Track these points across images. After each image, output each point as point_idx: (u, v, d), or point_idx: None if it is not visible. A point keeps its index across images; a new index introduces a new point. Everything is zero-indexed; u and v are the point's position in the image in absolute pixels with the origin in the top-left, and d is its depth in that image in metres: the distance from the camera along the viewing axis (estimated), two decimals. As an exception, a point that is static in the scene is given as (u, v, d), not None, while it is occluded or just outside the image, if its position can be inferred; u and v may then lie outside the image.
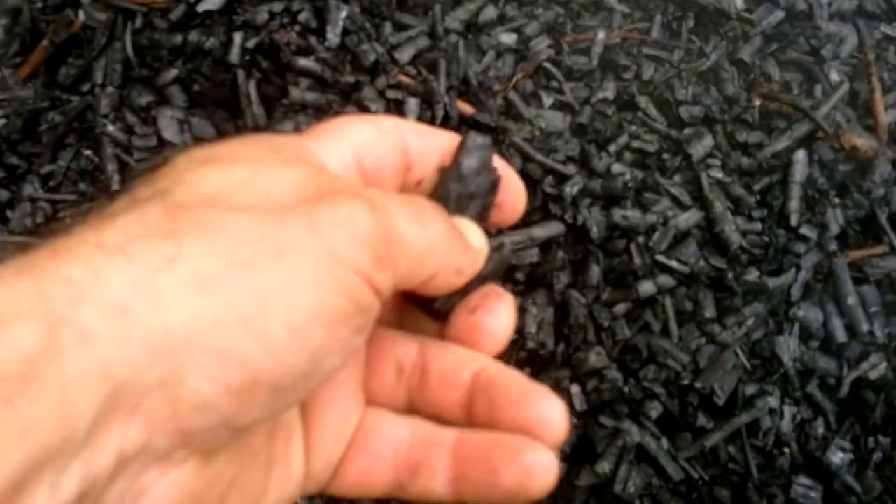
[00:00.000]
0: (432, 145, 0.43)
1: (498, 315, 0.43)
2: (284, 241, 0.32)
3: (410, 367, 0.44)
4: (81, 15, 0.89)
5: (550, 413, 0.39)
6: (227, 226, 0.32)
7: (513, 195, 0.44)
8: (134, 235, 0.30)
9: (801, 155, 0.85)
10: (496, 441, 0.40)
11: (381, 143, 0.42)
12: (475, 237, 0.42)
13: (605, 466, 0.73)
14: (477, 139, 0.43)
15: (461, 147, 0.43)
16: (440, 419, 0.42)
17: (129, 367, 0.28)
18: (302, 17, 0.88)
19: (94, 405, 0.27)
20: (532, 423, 0.40)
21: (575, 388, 0.75)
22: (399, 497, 0.42)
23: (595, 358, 0.75)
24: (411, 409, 0.43)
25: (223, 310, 0.30)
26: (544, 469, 0.39)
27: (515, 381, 0.41)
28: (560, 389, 0.75)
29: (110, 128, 0.84)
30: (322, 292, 0.32)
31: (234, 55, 0.86)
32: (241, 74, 0.85)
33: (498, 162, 0.44)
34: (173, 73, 0.88)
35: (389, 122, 0.42)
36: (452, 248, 0.39)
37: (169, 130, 0.85)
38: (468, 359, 0.43)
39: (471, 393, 0.42)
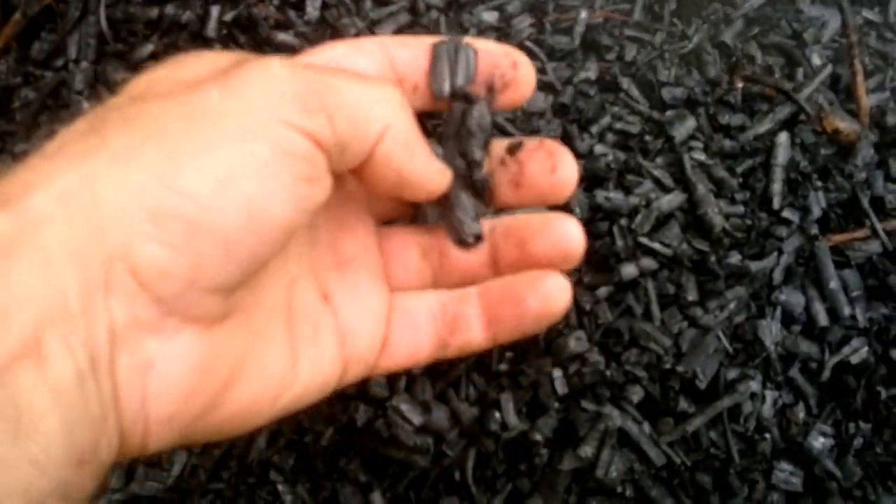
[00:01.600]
0: (420, 55, 0.46)
1: (562, 160, 0.49)
2: (196, 109, 0.35)
3: (430, 249, 0.51)
4: (54, -13, 0.88)
5: (572, 231, 0.49)
6: (142, 110, 0.35)
7: (512, 68, 0.47)
8: (67, 140, 0.34)
9: (783, 137, 0.85)
10: (515, 280, 0.48)
11: (356, 55, 0.44)
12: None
13: (587, 451, 0.72)
14: (441, 46, 0.46)
15: (431, 60, 0.47)
16: (467, 281, 0.51)
17: (84, 245, 0.32)
18: (281, -10, 0.87)
19: (75, 280, 0.31)
20: (558, 242, 0.49)
21: (557, 372, 0.74)
22: (442, 356, 0.50)
23: (575, 343, 0.74)
24: (439, 284, 0.51)
25: (144, 175, 0.33)
26: (562, 290, 0.48)
27: (532, 216, 0.49)
28: (542, 374, 0.74)
29: (85, 104, 0.83)
30: (240, 145, 0.35)
31: (212, 29, 0.85)
32: (218, 49, 0.84)
33: (486, 46, 0.47)
34: (149, 47, 0.87)
35: (369, 41, 0.45)
36: (403, 107, 0.42)
37: (144, 106, 0.83)
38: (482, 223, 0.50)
39: (494, 247, 0.50)
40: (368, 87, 0.40)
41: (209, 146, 0.34)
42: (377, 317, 0.48)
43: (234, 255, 0.35)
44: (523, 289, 0.48)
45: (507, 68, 0.47)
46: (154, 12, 0.86)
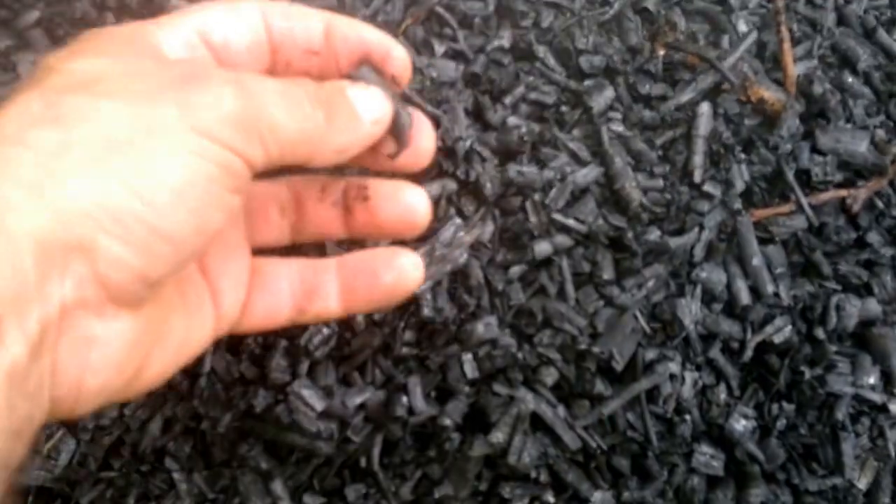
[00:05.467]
0: (298, 27, 0.48)
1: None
2: (155, 123, 0.38)
3: (287, 206, 0.54)
4: (-68, -49, 0.84)
5: (417, 200, 0.52)
6: (102, 112, 0.38)
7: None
8: (25, 125, 0.37)
9: (705, 107, 0.82)
10: (372, 255, 0.53)
11: (230, 19, 0.47)
12: (371, 107, 0.48)
13: (498, 436, 0.69)
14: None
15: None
16: (323, 236, 0.56)
17: (49, 234, 0.35)
18: (173, -46, 0.83)
19: (33, 263, 0.34)
20: (405, 209, 0.52)
21: (467, 355, 0.71)
22: (300, 322, 0.54)
23: (483, 329, 0.71)
24: (296, 239, 0.55)
25: (112, 183, 0.37)
26: (414, 267, 0.52)
27: (385, 182, 0.53)
28: (451, 357, 0.71)
29: (-33, 74, 0.79)
30: (192, 160, 0.39)
31: (102, -6, 0.81)
32: (109, 17, 0.80)
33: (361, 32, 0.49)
34: (35, 14, 0.83)
35: (248, 4, 0.48)
36: (332, 133, 0.45)
37: (30, 77, 0.80)
38: (336, 181, 0.54)
39: (346, 207, 0.53)
40: (304, 123, 0.43)
41: (169, 160, 0.38)
42: (240, 279, 0.51)
43: (180, 254, 0.40)
44: (379, 264, 0.52)
45: (379, 58, 0.49)
46: (40, -23, 0.83)
